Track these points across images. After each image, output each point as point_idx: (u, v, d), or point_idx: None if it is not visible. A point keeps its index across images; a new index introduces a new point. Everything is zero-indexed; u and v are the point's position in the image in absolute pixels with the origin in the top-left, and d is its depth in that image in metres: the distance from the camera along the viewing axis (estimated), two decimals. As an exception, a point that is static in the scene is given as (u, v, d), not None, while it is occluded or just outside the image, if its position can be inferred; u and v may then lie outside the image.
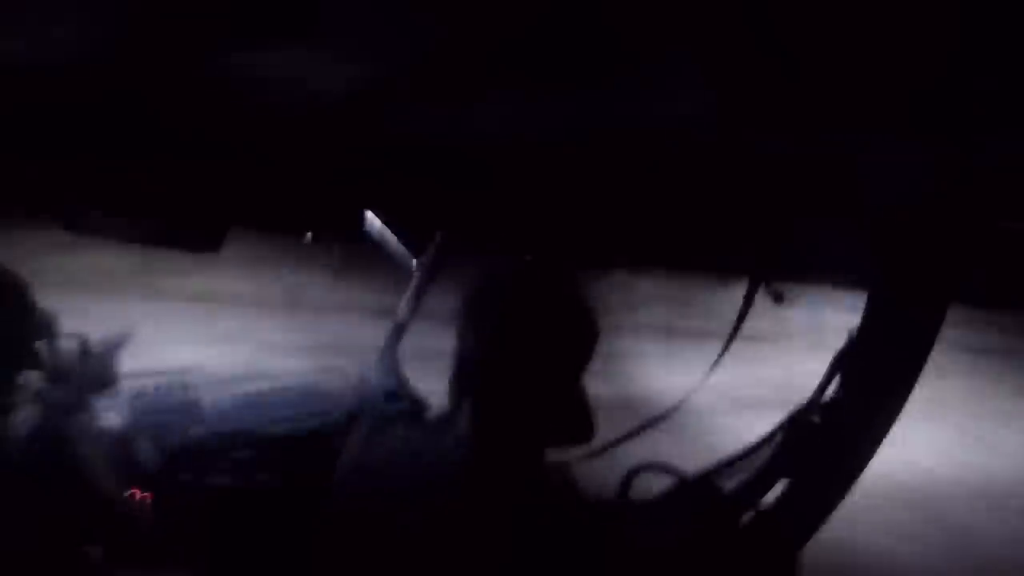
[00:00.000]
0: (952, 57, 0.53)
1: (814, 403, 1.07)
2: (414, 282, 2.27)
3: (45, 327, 1.16)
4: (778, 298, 1.12)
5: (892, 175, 0.87)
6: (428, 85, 0.96)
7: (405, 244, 2.20)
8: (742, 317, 1.16)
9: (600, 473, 1.09)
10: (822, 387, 1.09)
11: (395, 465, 0.88)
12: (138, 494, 1.46)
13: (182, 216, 1.36)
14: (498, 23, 0.71)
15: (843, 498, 1.01)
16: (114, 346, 1.34)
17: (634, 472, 1.17)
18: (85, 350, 1.28)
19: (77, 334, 1.27)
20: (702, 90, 0.67)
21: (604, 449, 1.31)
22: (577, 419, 0.85)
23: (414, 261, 2.22)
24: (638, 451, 1.24)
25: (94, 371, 1.28)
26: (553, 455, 1.08)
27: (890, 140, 0.67)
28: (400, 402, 2.05)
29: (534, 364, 0.82)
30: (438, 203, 1.93)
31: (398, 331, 2.33)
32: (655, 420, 1.23)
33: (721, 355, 1.18)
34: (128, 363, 1.39)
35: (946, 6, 0.49)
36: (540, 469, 0.88)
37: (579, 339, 0.84)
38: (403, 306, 2.31)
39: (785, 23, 0.54)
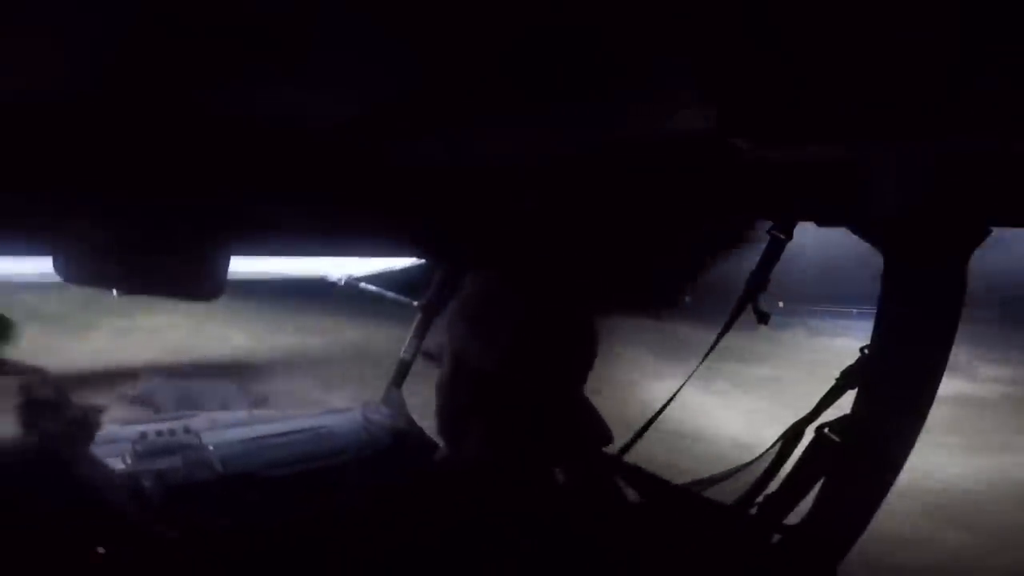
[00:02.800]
0: (952, 57, 0.54)
1: (835, 419, 1.06)
2: (417, 320, 2.26)
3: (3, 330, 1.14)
4: (763, 318, 1.12)
5: (895, 180, 0.88)
6: (421, 114, 0.97)
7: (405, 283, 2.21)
8: (726, 329, 1.17)
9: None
10: (827, 402, 1.08)
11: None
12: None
13: (181, 261, 1.35)
14: (486, 46, 0.72)
15: (875, 512, 0.99)
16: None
17: (657, 494, 1.16)
18: (59, 388, 1.27)
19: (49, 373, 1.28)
20: (701, 102, 0.67)
21: (624, 450, 1.31)
22: (591, 425, 0.87)
23: (415, 301, 2.22)
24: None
25: (80, 409, 1.26)
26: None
27: (891, 144, 0.67)
28: (406, 440, 2.01)
29: (543, 374, 0.83)
30: (437, 238, 1.93)
31: (403, 370, 2.31)
32: (648, 424, 1.25)
33: (702, 361, 1.21)
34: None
35: (946, 6, 0.50)
36: (554, 478, 0.89)
37: (582, 350, 0.86)
38: (407, 345, 2.29)
39: (785, 26, 0.55)
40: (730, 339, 1.18)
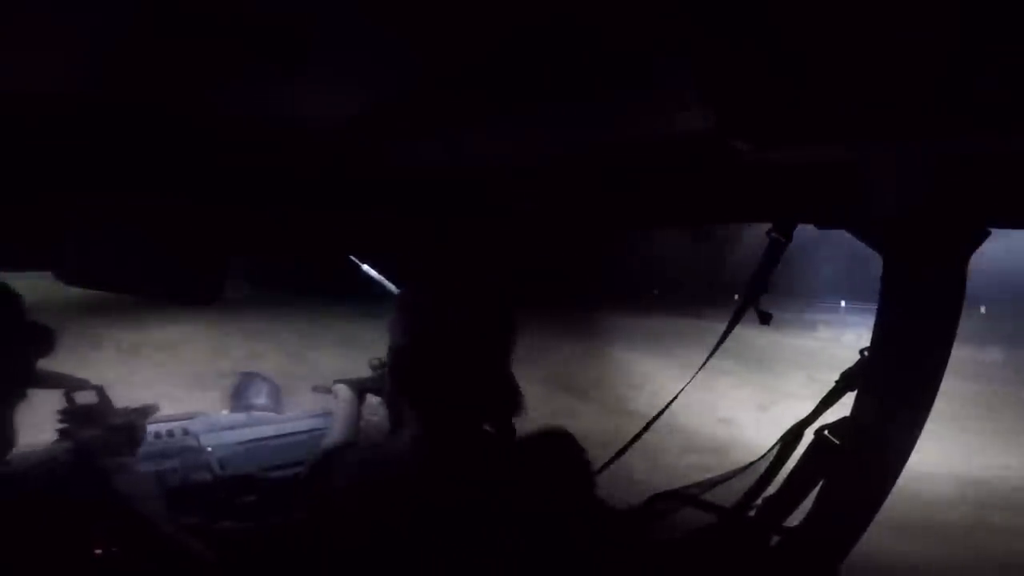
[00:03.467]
0: (952, 57, 0.54)
1: (835, 422, 1.05)
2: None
3: (43, 342, 1.13)
4: (765, 318, 1.13)
5: (895, 180, 0.88)
6: (419, 114, 0.97)
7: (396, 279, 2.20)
8: (728, 330, 1.17)
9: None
10: (826, 404, 1.08)
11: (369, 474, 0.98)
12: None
13: (183, 264, 1.35)
14: (486, 46, 0.72)
15: (876, 513, 0.99)
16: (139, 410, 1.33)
17: (657, 498, 1.16)
18: (103, 396, 1.27)
19: (93, 383, 1.28)
20: (701, 102, 0.67)
21: (613, 460, 1.31)
22: (508, 397, 0.98)
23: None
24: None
25: (120, 420, 1.27)
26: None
27: (891, 144, 0.67)
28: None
29: (457, 351, 0.95)
30: (429, 234, 1.93)
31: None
32: (648, 424, 1.26)
33: (705, 362, 1.21)
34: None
35: (946, 6, 0.50)
36: (484, 447, 0.99)
37: (496, 330, 0.98)
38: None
39: (785, 27, 0.55)
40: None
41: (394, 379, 1.00)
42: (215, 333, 8.19)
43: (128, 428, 1.25)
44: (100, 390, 1.28)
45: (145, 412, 1.34)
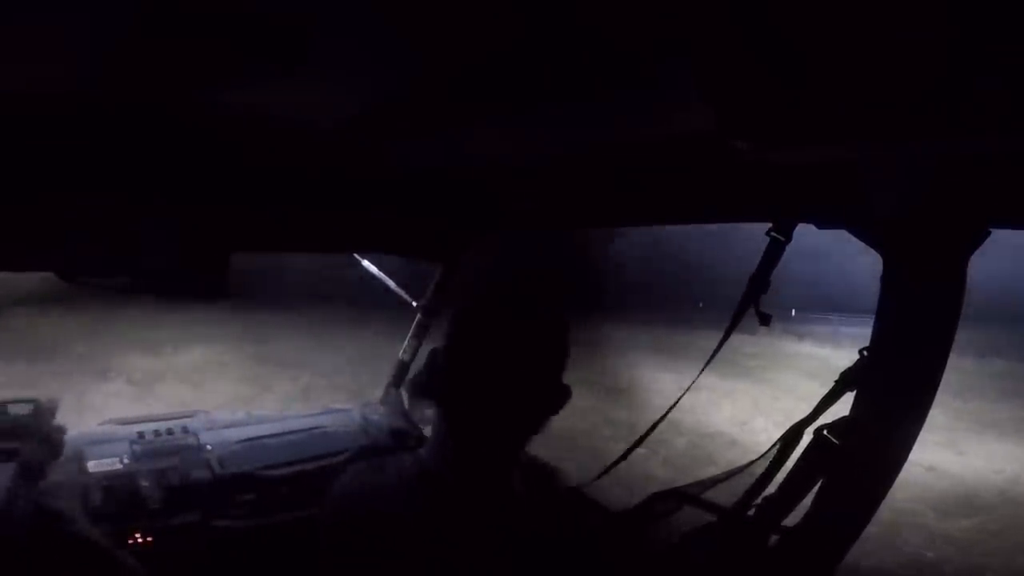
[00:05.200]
0: (952, 57, 0.54)
1: (834, 421, 1.05)
2: (416, 322, 2.26)
3: None
4: (764, 320, 1.13)
5: (895, 181, 0.88)
6: (419, 114, 0.97)
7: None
8: (729, 332, 1.17)
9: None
10: (825, 404, 1.08)
11: (380, 486, 0.97)
12: (139, 538, 1.40)
13: (184, 260, 1.35)
14: (486, 46, 0.72)
15: (873, 513, 0.99)
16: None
17: (656, 498, 1.16)
18: (39, 410, 1.26)
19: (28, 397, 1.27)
20: (701, 102, 0.67)
21: (613, 465, 1.31)
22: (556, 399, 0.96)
23: (414, 302, 2.22)
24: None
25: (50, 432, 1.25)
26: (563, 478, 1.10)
27: (891, 144, 0.67)
28: (405, 440, 2.01)
29: (497, 369, 0.92)
30: (437, 238, 1.93)
31: (402, 370, 2.30)
32: (653, 427, 1.26)
33: (708, 363, 1.20)
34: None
35: (946, 6, 0.50)
36: (517, 469, 0.99)
37: (547, 349, 0.95)
38: (406, 345, 2.29)
39: (785, 26, 0.55)
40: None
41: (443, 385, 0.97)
42: (244, 358, 6.71)
43: (46, 439, 1.22)
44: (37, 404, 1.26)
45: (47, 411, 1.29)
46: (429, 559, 0.91)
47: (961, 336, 0.94)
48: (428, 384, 0.96)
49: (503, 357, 0.92)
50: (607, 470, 1.34)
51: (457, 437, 0.98)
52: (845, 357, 1.07)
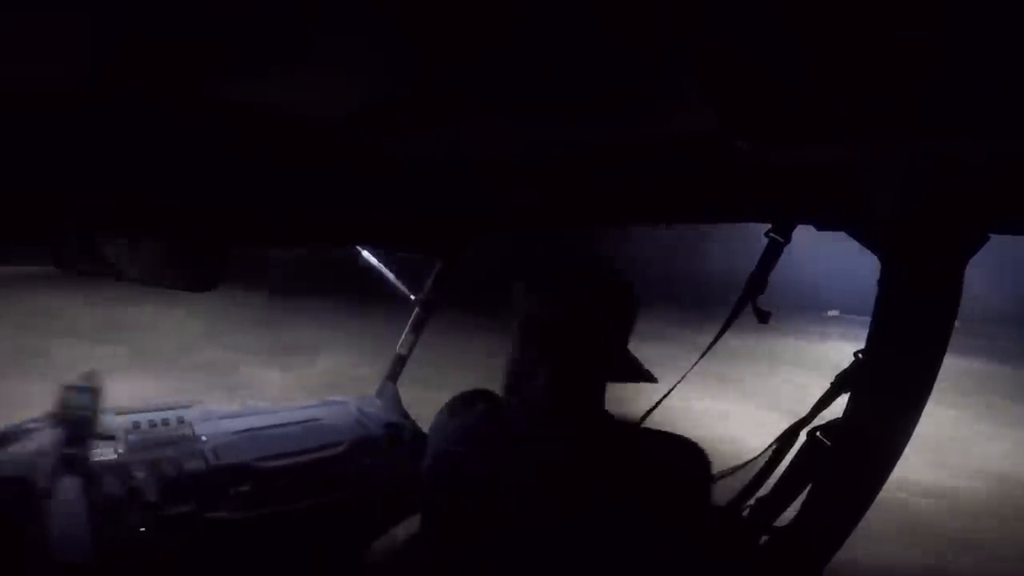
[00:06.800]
0: (952, 57, 0.54)
1: (827, 423, 1.06)
2: (414, 316, 2.26)
3: None
4: (763, 317, 1.13)
5: (895, 182, 0.88)
6: (419, 112, 0.97)
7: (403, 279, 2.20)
8: (724, 329, 1.18)
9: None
10: (821, 405, 1.08)
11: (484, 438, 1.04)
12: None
13: (179, 252, 1.35)
14: (487, 42, 0.72)
15: (863, 515, 0.99)
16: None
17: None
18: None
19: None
20: (701, 102, 0.67)
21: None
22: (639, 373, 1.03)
23: (413, 296, 2.22)
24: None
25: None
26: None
27: (891, 145, 0.67)
28: (400, 433, 2.01)
29: (598, 327, 0.99)
30: (435, 233, 1.93)
31: (398, 363, 2.31)
32: (646, 415, 1.26)
33: (703, 354, 1.22)
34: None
35: (946, 6, 0.50)
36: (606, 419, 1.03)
37: (626, 306, 1.03)
38: (403, 339, 2.29)
39: (785, 26, 0.55)
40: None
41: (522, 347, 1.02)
42: (291, 381, 5.74)
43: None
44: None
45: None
46: (530, 496, 0.96)
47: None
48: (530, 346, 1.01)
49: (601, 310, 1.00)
50: None
51: (558, 372, 1.00)
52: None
